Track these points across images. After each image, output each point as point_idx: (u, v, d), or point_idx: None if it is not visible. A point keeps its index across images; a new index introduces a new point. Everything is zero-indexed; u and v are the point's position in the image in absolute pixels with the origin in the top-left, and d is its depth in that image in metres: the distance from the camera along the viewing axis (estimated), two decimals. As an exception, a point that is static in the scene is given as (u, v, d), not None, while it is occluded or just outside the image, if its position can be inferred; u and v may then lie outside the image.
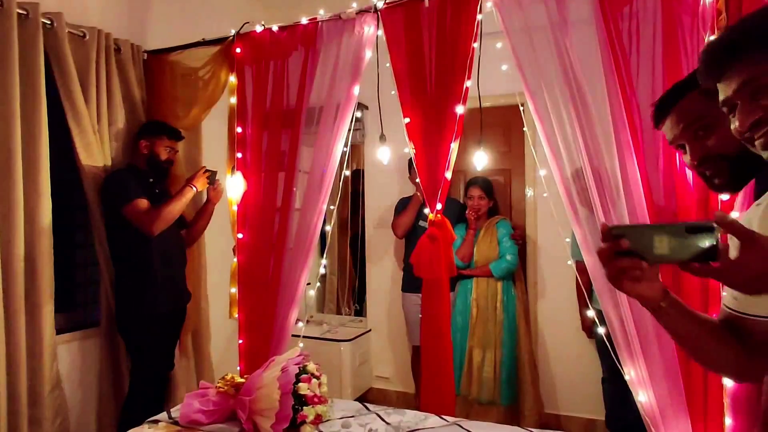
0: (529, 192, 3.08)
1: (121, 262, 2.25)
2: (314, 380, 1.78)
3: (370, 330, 3.45)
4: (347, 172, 2.35)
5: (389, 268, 3.40)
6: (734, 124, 0.79)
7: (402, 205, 2.99)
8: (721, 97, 0.80)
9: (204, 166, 2.38)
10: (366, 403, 1.93)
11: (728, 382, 1.50)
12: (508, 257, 2.81)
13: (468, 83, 1.88)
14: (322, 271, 2.47)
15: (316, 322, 3.58)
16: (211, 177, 2.38)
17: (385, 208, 3.31)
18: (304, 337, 3.08)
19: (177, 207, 2.21)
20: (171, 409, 1.84)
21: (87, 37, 2.16)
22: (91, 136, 2.17)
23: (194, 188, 2.28)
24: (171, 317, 2.38)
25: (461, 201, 3.07)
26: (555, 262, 2.95)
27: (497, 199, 3.01)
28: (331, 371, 3.11)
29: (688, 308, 0.87)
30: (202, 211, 2.52)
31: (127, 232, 2.19)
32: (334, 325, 3.47)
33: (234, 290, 2.31)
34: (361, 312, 3.67)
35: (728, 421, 1.50)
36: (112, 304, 2.29)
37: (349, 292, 3.80)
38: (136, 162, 2.32)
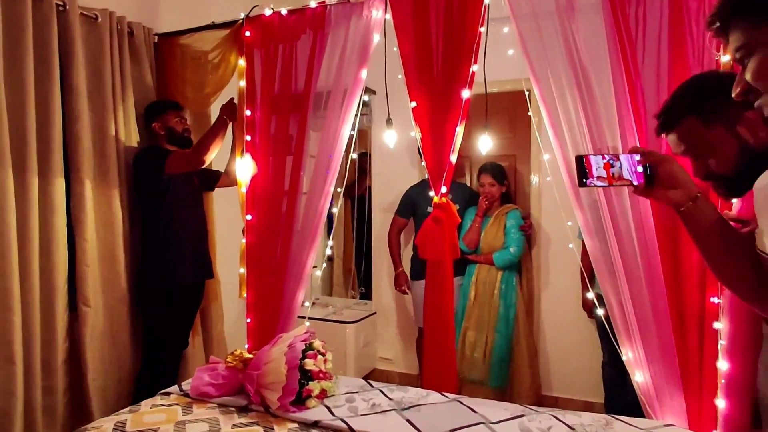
0: (535, 178, 3.09)
1: (150, 236, 2.35)
2: (320, 357, 1.84)
3: (375, 313, 3.51)
4: (354, 155, 2.38)
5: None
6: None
7: (408, 199, 3.00)
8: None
9: (232, 98, 2.36)
10: (370, 381, 1.99)
11: (723, 365, 1.54)
12: (512, 249, 2.84)
13: (474, 68, 1.90)
14: (328, 252, 2.51)
15: (322, 304, 3.64)
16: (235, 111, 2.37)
17: (392, 192, 3.34)
18: (310, 318, 3.15)
19: (217, 137, 2.26)
20: (182, 383, 1.91)
21: (99, 20, 2.19)
22: (110, 120, 2.22)
23: (227, 120, 2.31)
24: (193, 291, 2.48)
25: (471, 187, 3.09)
26: (559, 246, 2.98)
27: (510, 184, 3.02)
28: (336, 352, 3.15)
29: (716, 220, 0.90)
30: (233, 146, 2.46)
31: (157, 206, 2.30)
32: (340, 308, 3.53)
33: (243, 270, 2.36)
34: (367, 295, 3.73)
35: (721, 403, 1.55)
36: (133, 278, 2.36)
37: (355, 275, 3.85)
38: (159, 144, 2.40)
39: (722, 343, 1.55)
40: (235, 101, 2.34)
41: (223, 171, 2.57)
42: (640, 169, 0.97)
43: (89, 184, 2.13)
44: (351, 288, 3.85)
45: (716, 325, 1.56)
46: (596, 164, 0.98)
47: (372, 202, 3.55)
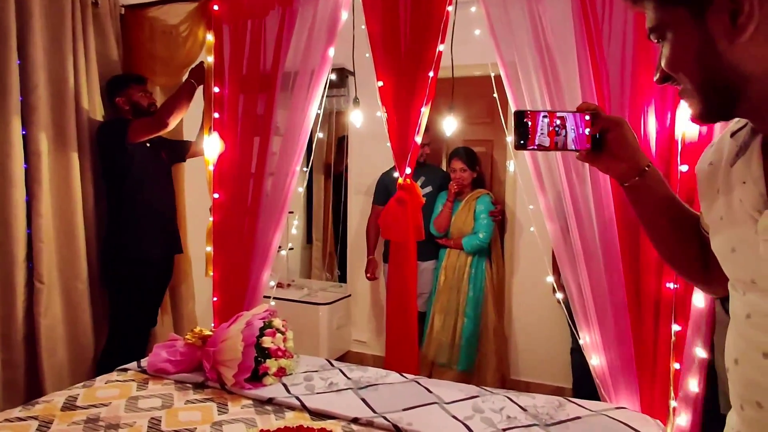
0: (511, 166, 3.08)
1: (115, 211, 2.32)
2: (279, 335, 1.83)
3: (349, 295, 3.51)
4: (321, 135, 2.35)
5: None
6: None
7: (382, 185, 2.98)
8: None
9: (202, 62, 2.30)
10: (331, 360, 1.99)
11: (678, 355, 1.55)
12: (481, 235, 2.84)
13: (441, 47, 1.87)
14: (293, 232, 2.49)
15: (297, 286, 3.64)
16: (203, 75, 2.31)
17: (367, 174, 3.32)
18: (282, 299, 3.15)
19: (183, 100, 2.20)
20: (141, 360, 1.90)
21: (60, -10, 2.13)
22: (70, 93, 2.17)
23: (195, 84, 2.25)
24: (159, 268, 2.45)
25: (446, 171, 3.07)
26: (531, 233, 2.98)
27: (481, 173, 3.01)
28: (309, 333, 3.18)
29: (664, 198, 0.82)
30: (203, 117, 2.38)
31: (121, 180, 2.26)
32: (315, 290, 3.53)
33: (209, 249, 2.34)
34: (344, 278, 3.73)
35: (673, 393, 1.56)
36: (98, 254, 2.33)
37: (331, 258, 3.84)
38: (124, 118, 2.34)
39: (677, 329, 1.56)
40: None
41: (194, 140, 2.50)
42: (588, 131, 0.83)
43: (45, 158, 2.08)
44: (327, 270, 3.85)
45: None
46: (541, 128, 0.83)
47: (348, 185, 3.52)
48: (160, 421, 1.45)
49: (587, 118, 0.82)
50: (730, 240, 0.65)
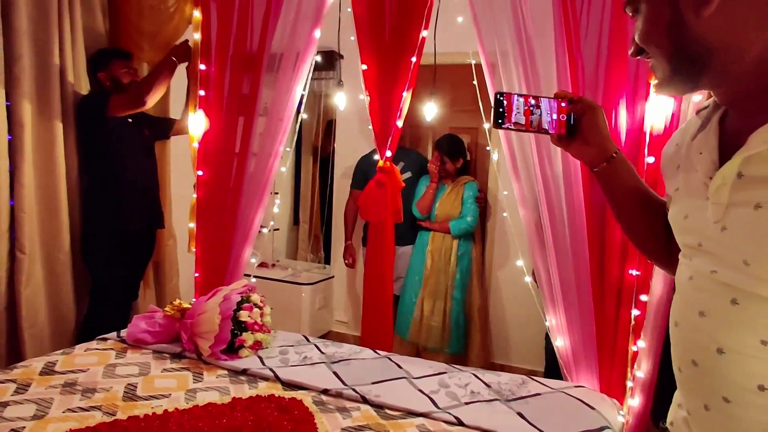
0: (495, 155, 3.12)
1: (95, 184, 2.34)
2: (256, 309, 1.88)
3: (332, 277, 3.56)
4: (305, 116, 2.37)
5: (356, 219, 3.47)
6: None
7: (360, 170, 3.01)
8: None
9: (186, 40, 2.30)
10: (308, 336, 2.04)
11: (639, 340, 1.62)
12: (468, 218, 2.89)
13: (424, 33, 1.90)
14: (276, 210, 2.53)
15: (282, 266, 3.68)
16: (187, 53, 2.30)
17: (353, 157, 3.34)
18: (266, 278, 3.20)
19: (162, 78, 2.19)
20: (121, 331, 1.94)
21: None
22: (55, 65, 2.17)
23: (176, 61, 2.24)
24: (139, 240, 2.47)
25: (426, 156, 3.12)
26: (514, 219, 3.04)
27: (469, 160, 3.06)
28: (291, 313, 3.24)
29: (631, 183, 0.86)
30: (187, 95, 2.39)
31: (100, 153, 2.29)
32: (299, 270, 3.58)
33: (192, 225, 2.37)
34: (329, 260, 3.78)
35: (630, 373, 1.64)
36: (79, 225, 2.35)
37: (316, 239, 3.89)
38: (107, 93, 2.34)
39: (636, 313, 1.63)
40: (190, 44, 2.26)
41: (178, 118, 2.53)
42: (563, 117, 0.88)
43: (29, 129, 2.09)
44: (312, 252, 3.90)
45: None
46: (516, 107, 0.88)
47: (334, 168, 3.56)
48: (136, 386, 1.50)
49: (563, 104, 0.87)
50: (685, 208, 0.69)
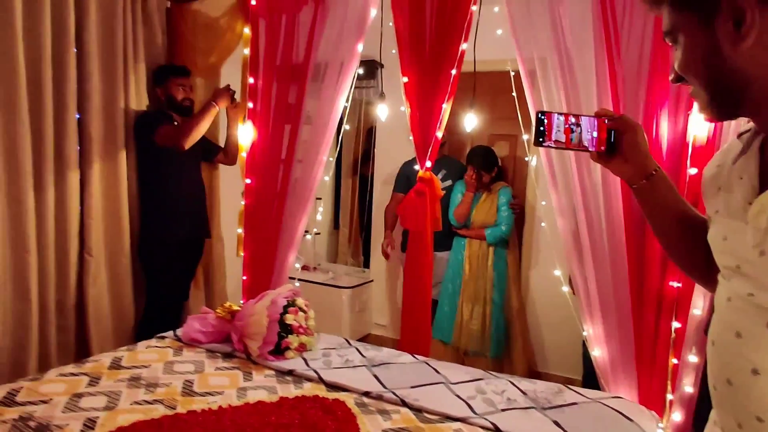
0: (533, 160, 3.12)
1: (149, 195, 2.51)
2: (301, 313, 1.97)
3: (372, 280, 3.65)
4: (347, 126, 2.47)
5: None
6: None
7: (403, 175, 3.08)
8: None
9: (228, 85, 2.48)
10: (349, 339, 2.13)
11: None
12: (503, 227, 2.91)
13: (464, 45, 1.94)
14: (318, 218, 2.63)
15: (323, 269, 3.80)
16: (232, 96, 2.48)
17: (392, 165, 3.42)
18: (308, 281, 3.32)
19: (202, 122, 2.36)
20: (176, 330, 2.08)
21: (112, -15, 2.30)
22: (120, 82, 2.35)
23: (216, 106, 2.39)
24: (189, 248, 2.65)
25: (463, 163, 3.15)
26: (550, 226, 3.03)
27: (502, 166, 3.07)
28: (332, 315, 3.34)
29: (671, 201, 0.87)
30: (228, 132, 2.70)
31: (153, 167, 2.46)
32: (339, 274, 3.68)
33: (240, 231, 2.51)
34: (368, 263, 3.87)
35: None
36: (137, 231, 2.54)
37: (356, 243, 3.98)
38: (163, 108, 2.54)
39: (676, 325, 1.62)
40: (232, 87, 2.46)
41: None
42: (603, 134, 0.89)
43: (96, 141, 2.28)
44: (352, 256, 3.99)
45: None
46: (557, 125, 0.90)
47: (374, 174, 3.64)
48: (193, 383, 1.62)
49: (604, 122, 0.89)
50: (724, 230, 0.70)
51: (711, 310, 1.55)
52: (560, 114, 0.90)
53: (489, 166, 2.93)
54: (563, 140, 0.90)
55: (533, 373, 3.16)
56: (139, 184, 2.52)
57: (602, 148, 0.89)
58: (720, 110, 0.69)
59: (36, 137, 2.07)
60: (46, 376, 1.59)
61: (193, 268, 2.75)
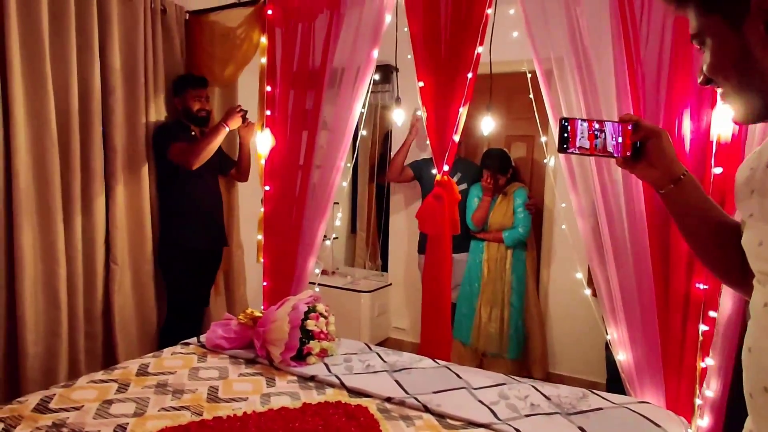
0: (551, 161, 3.09)
1: (167, 205, 2.56)
2: (322, 319, 1.99)
3: (390, 284, 3.65)
4: (364, 132, 2.48)
5: (410, 227, 3.55)
6: None
7: (416, 163, 3.17)
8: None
9: (239, 105, 2.53)
10: (370, 344, 2.13)
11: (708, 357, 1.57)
12: (521, 229, 2.90)
13: (480, 49, 1.94)
14: (337, 223, 2.64)
15: (341, 274, 3.82)
16: (243, 116, 2.52)
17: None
18: (326, 286, 3.34)
19: (211, 143, 2.41)
20: (201, 336, 2.12)
21: (135, 0, 2.35)
22: (141, 95, 2.41)
23: (226, 127, 2.44)
24: (207, 257, 2.69)
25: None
26: (570, 228, 2.99)
27: (517, 166, 3.06)
28: (351, 319, 3.36)
29: (700, 205, 0.84)
30: (240, 151, 2.77)
31: (169, 178, 2.51)
32: (358, 278, 3.69)
33: (260, 237, 2.54)
34: (386, 267, 3.87)
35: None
36: (156, 241, 2.58)
37: (374, 247, 3.99)
38: (180, 119, 2.59)
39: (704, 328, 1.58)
40: (245, 104, 2.52)
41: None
42: (628, 140, 0.88)
43: (120, 154, 2.34)
44: (370, 260, 4.00)
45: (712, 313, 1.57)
46: (581, 132, 0.90)
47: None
48: (218, 389, 1.65)
49: (629, 127, 0.88)
50: (759, 234, 0.68)
51: (741, 313, 1.53)
52: (584, 120, 0.89)
53: (504, 169, 2.92)
54: (587, 146, 0.90)
55: (555, 377, 3.13)
56: (158, 194, 2.57)
57: (627, 153, 0.88)
58: (752, 113, 0.68)
59: (63, 150, 2.14)
60: (77, 383, 1.64)
61: (212, 275, 2.80)
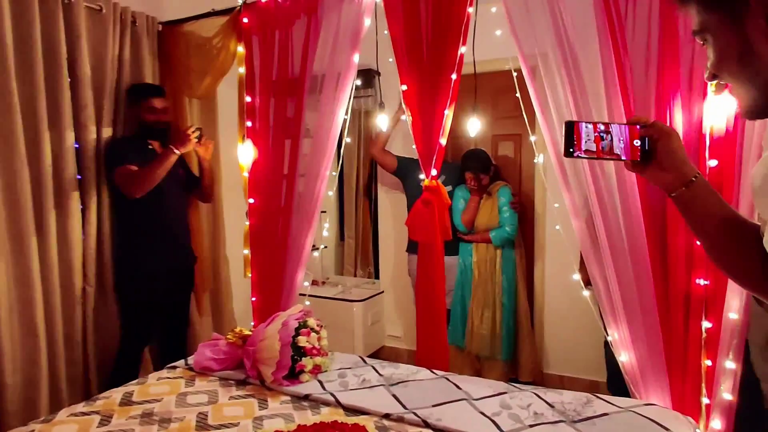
0: (540, 158, 3.06)
1: (122, 224, 2.37)
2: (313, 334, 1.92)
3: (382, 291, 3.58)
4: (348, 140, 2.42)
5: (399, 231, 3.49)
6: None
7: (403, 160, 3.11)
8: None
9: (190, 126, 2.35)
10: (364, 357, 2.06)
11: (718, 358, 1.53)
12: (508, 228, 2.87)
13: (463, 49, 1.89)
14: (325, 234, 2.57)
15: (332, 283, 3.74)
16: (198, 136, 2.35)
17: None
18: (317, 297, 3.26)
19: (157, 170, 2.21)
20: (187, 358, 2.03)
21: (103, 11, 2.27)
22: (110, 109, 2.32)
23: (176, 151, 2.26)
24: (170, 278, 2.44)
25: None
26: (565, 228, 2.96)
27: (498, 165, 3.04)
28: (344, 330, 3.28)
29: (714, 208, 0.82)
30: (201, 172, 2.58)
31: (119, 197, 2.30)
32: (349, 287, 3.62)
33: (247, 251, 2.46)
34: (377, 274, 3.81)
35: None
36: (110, 264, 2.37)
37: (363, 254, 3.93)
38: (138, 132, 2.39)
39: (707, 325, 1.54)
40: (192, 126, 2.32)
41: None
42: (637, 142, 0.85)
43: (92, 171, 2.25)
44: (361, 267, 3.93)
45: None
46: (586, 135, 0.87)
47: (378, 182, 3.59)
48: (207, 415, 1.56)
49: (636, 129, 0.85)
50: None
51: (748, 312, 1.49)
52: (588, 123, 0.86)
53: (486, 168, 2.89)
54: (594, 149, 0.86)
55: (553, 378, 3.09)
56: (116, 212, 2.37)
57: (636, 156, 0.85)
58: (759, 108, 0.66)
59: (34, 170, 2.04)
60: (57, 416, 1.55)
61: (185, 295, 2.61)
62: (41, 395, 2.08)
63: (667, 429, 1.41)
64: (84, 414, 1.56)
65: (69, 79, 2.15)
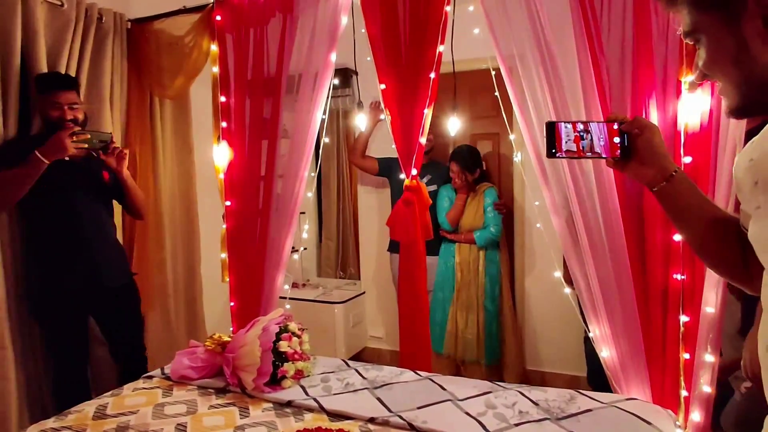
0: (518, 155, 3.08)
1: (30, 241, 2.08)
2: (295, 339, 1.88)
3: (364, 292, 3.56)
4: (327, 140, 2.38)
5: (381, 232, 3.47)
6: None
7: (386, 161, 3.09)
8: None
9: (70, 126, 1.93)
10: (347, 360, 2.04)
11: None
12: (492, 228, 2.86)
13: (441, 48, 1.88)
14: (304, 236, 2.53)
15: (312, 285, 3.69)
16: (101, 144, 2.04)
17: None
18: (298, 299, 3.22)
19: (13, 185, 1.83)
20: (164, 367, 1.97)
21: (65, 7, 2.18)
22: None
23: (44, 160, 1.83)
24: (90, 297, 2.14)
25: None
26: (545, 226, 2.99)
27: (486, 165, 3.03)
28: (326, 332, 3.24)
29: (694, 200, 0.84)
30: (123, 187, 2.19)
31: (34, 209, 2.01)
32: (330, 289, 3.58)
33: (224, 255, 2.40)
34: (359, 275, 3.78)
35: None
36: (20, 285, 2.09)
37: (344, 255, 3.89)
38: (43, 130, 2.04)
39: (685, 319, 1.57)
40: (75, 128, 1.93)
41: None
42: (616, 139, 0.86)
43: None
44: (340, 269, 3.90)
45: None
46: (566, 135, 0.89)
47: (357, 183, 3.56)
48: (186, 426, 1.51)
49: (615, 126, 0.87)
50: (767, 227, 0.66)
51: (725, 306, 1.51)
52: (567, 122, 0.88)
53: (473, 166, 2.88)
54: (575, 149, 0.89)
55: (535, 374, 3.11)
56: (21, 230, 2.07)
57: (617, 153, 0.87)
58: (750, 107, 0.67)
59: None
60: (25, 434, 1.48)
61: (124, 315, 2.28)
62: (11, 410, 2.00)
63: (648, 423, 1.43)
64: (54, 430, 1.49)
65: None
